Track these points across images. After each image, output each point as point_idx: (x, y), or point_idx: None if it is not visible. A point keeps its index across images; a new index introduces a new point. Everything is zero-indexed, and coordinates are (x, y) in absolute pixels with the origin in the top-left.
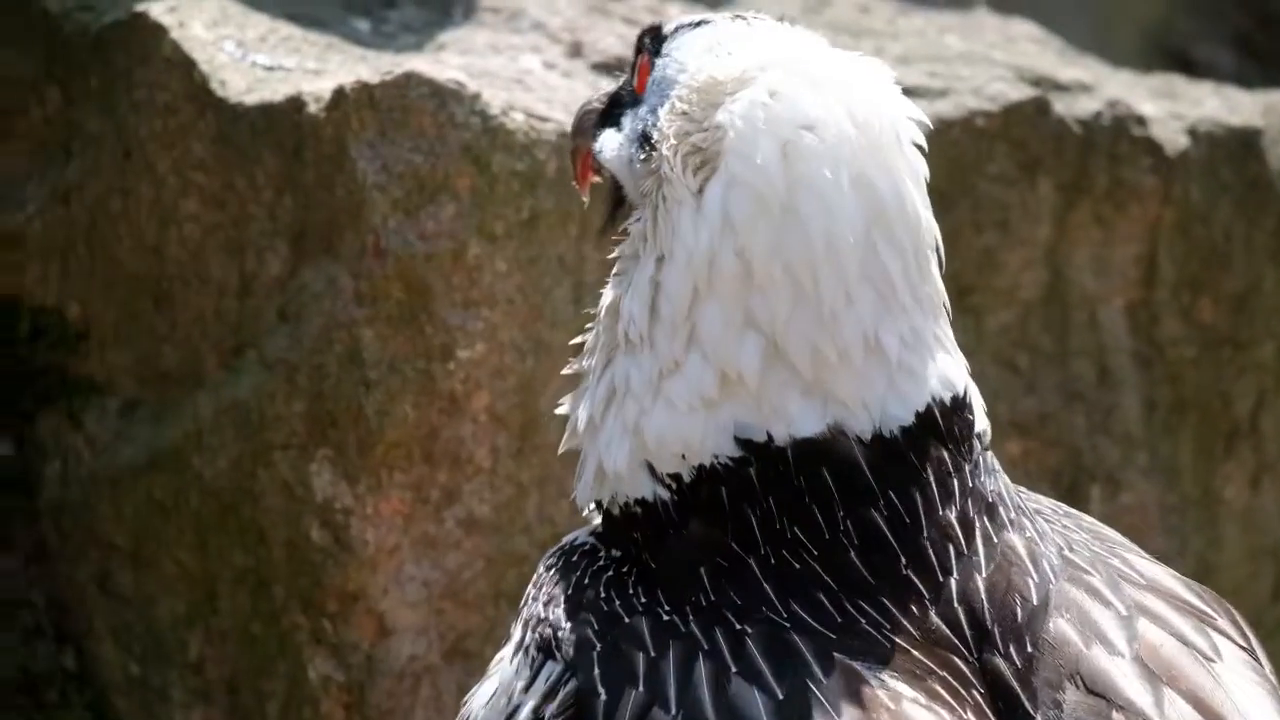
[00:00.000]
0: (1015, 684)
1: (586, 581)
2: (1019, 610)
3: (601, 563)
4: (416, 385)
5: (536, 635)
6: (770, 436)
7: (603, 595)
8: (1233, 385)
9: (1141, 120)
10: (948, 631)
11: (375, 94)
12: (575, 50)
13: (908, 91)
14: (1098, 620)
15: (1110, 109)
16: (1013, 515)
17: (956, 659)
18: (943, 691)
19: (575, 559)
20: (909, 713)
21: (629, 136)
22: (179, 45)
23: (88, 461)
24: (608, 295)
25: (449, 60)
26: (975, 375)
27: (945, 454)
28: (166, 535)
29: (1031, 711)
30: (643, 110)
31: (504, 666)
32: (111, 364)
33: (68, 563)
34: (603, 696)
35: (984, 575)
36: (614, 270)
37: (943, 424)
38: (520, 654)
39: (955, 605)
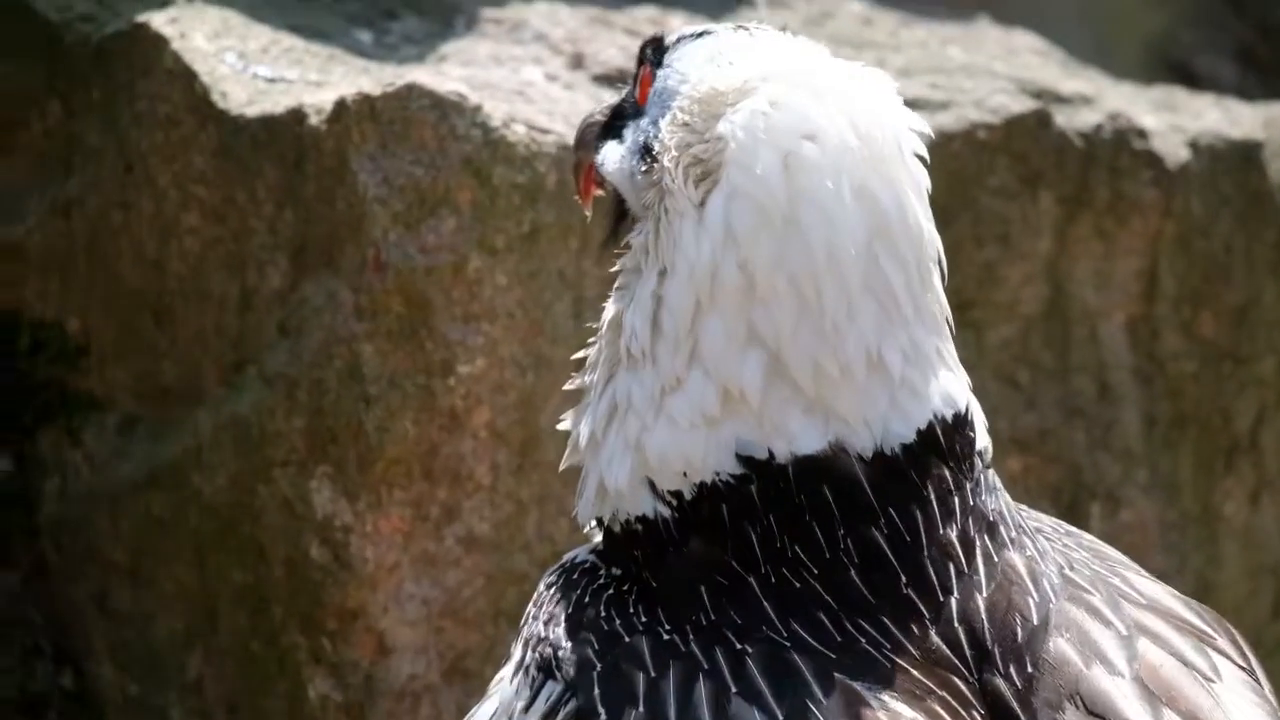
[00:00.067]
0: (1015, 704)
1: (587, 600)
2: (1019, 630)
3: (602, 581)
4: (417, 401)
5: (537, 655)
6: (772, 454)
7: (603, 614)
8: (1233, 400)
9: (1143, 133)
10: (948, 651)
11: (376, 106)
12: (577, 62)
13: (909, 104)
14: (1098, 640)
15: (1111, 122)
16: (1013, 534)
17: (956, 679)
18: (942, 712)
19: (576, 577)
20: None
21: (630, 148)
22: (180, 57)
23: (87, 478)
24: (610, 309)
25: (450, 72)
26: (976, 390)
27: (946, 472)
28: (165, 553)
29: None
30: (644, 122)
31: (504, 686)
32: (111, 379)
33: (66, 581)
34: (603, 716)
35: (984, 594)
36: (616, 284)
37: (944, 442)
38: (520, 673)
39: (956, 625)
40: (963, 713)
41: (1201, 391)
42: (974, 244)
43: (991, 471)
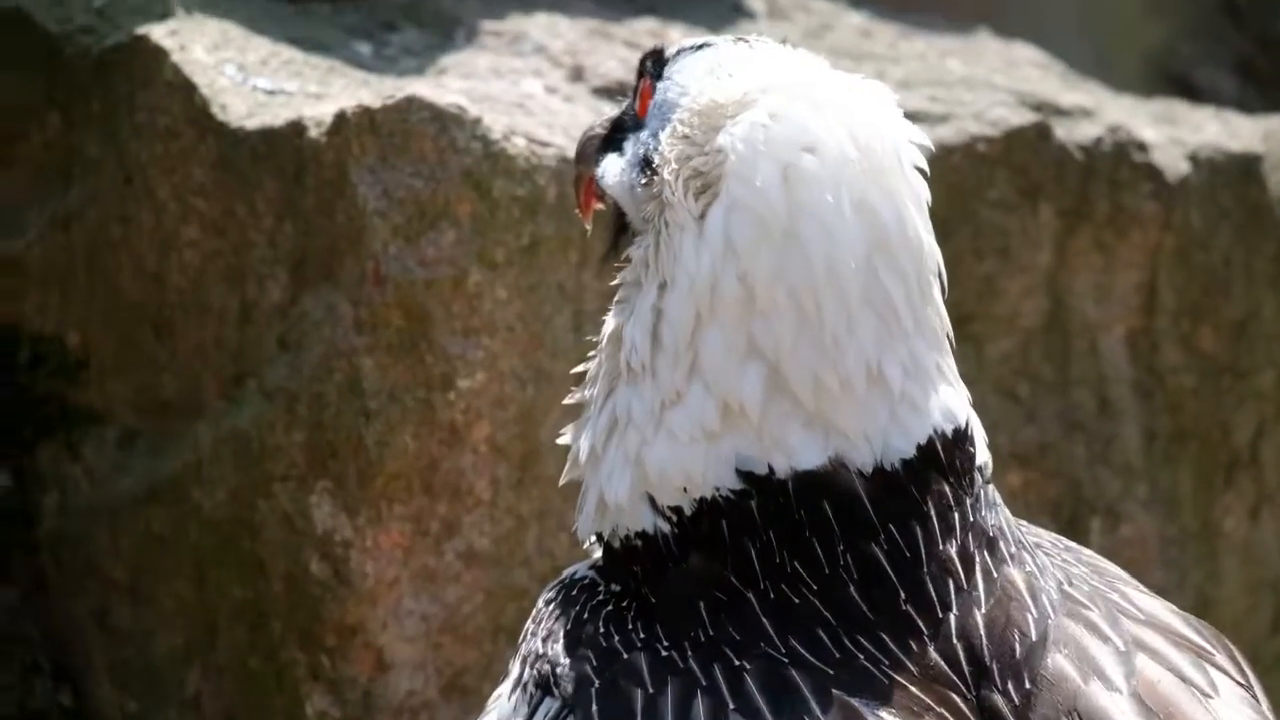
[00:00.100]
0: None
1: (586, 617)
2: (1018, 646)
3: (601, 597)
4: (417, 415)
5: (535, 671)
6: (771, 469)
7: (601, 631)
8: (1233, 415)
9: (1142, 146)
10: (946, 668)
11: (376, 118)
12: (577, 74)
13: (909, 116)
14: (1096, 656)
15: (1111, 134)
16: (1013, 549)
17: (955, 696)
18: None
19: (575, 593)
20: None
21: (631, 161)
22: (180, 69)
23: (86, 492)
24: (610, 323)
25: (450, 84)
26: (976, 404)
27: (946, 487)
28: (165, 568)
29: None
30: (644, 134)
31: (502, 703)
32: (111, 393)
33: (66, 597)
34: None
35: (983, 611)
36: (616, 298)
37: (944, 457)
38: (518, 690)
39: (954, 641)
40: None
41: (1201, 405)
42: (974, 257)
43: (991, 487)
